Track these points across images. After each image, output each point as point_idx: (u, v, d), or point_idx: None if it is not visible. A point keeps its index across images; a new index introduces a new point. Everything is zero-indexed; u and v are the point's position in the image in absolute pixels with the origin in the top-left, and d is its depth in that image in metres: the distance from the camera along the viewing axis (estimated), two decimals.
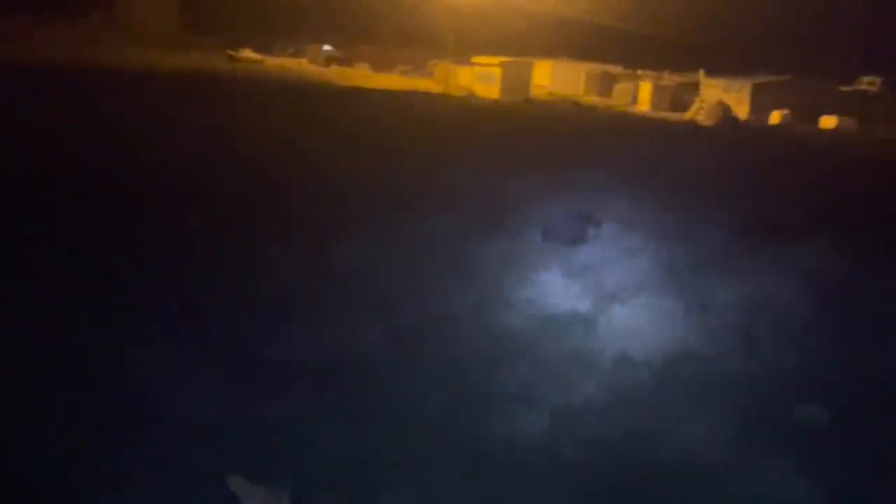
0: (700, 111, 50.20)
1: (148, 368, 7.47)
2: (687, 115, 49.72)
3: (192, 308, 9.06)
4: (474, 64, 60.08)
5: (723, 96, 51.94)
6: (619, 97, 60.79)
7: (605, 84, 64.63)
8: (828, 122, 47.14)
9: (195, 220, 12.63)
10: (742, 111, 49.91)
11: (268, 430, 6.70)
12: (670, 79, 62.04)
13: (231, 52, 67.56)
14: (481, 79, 57.83)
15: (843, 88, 53.51)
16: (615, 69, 68.40)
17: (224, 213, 13.27)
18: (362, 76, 61.23)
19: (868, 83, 53.99)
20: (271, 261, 10.89)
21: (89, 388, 7.10)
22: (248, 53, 68.88)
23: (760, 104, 50.21)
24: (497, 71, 57.10)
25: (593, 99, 59.41)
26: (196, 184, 15.38)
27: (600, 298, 10.40)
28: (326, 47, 77.05)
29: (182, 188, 14.93)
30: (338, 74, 61.09)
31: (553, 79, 67.54)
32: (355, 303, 9.71)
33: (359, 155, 20.06)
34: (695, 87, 55.79)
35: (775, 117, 48.34)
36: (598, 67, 68.31)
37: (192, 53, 63.01)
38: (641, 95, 57.44)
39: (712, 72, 55.87)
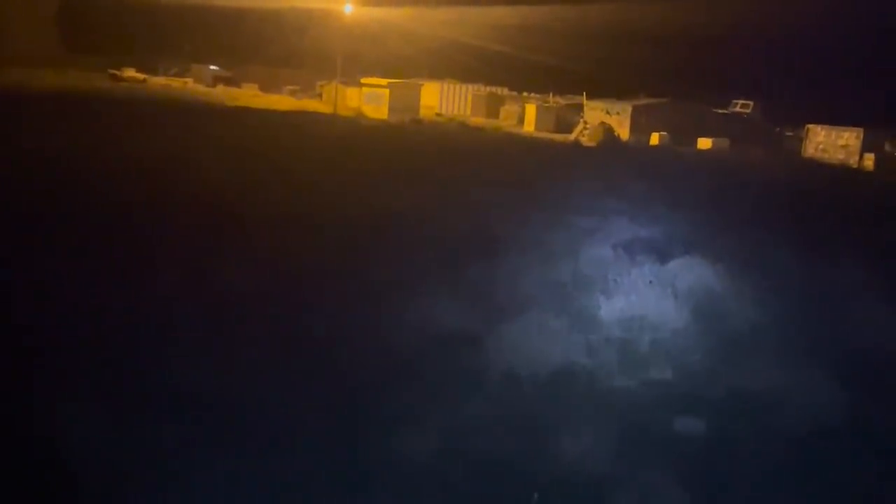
0: (583, 132, 51.55)
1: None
2: (571, 136, 50.92)
3: (64, 329, 8.82)
4: (363, 85, 60.28)
5: (605, 118, 53.45)
6: (505, 118, 61.96)
7: (492, 105, 65.83)
8: (704, 143, 49.05)
9: (74, 238, 12.29)
10: (623, 132, 51.44)
11: (142, 461, 6.56)
12: (555, 101, 63.56)
13: (114, 72, 65.95)
14: (370, 99, 58.08)
15: (719, 111, 55.72)
16: (501, 91, 69.84)
17: (105, 231, 12.95)
18: (250, 96, 60.56)
19: (742, 105, 56.31)
20: (152, 282, 10.65)
21: None
22: (131, 73, 67.40)
23: (641, 126, 51.84)
24: (385, 92, 57.46)
25: (480, 119, 60.29)
26: (76, 200, 14.97)
27: (488, 315, 10.54)
28: (213, 67, 76.04)
29: (63, 205, 14.51)
30: (225, 94, 60.24)
31: (441, 100, 68.38)
32: (240, 325, 9.58)
33: (245, 174, 19.81)
34: (578, 108, 57.23)
35: (655, 138, 49.99)
36: (484, 89, 69.56)
37: (72, 72, 61.14)
38: (527, 116, 58.63)
39: (595, 94, 57.42)
